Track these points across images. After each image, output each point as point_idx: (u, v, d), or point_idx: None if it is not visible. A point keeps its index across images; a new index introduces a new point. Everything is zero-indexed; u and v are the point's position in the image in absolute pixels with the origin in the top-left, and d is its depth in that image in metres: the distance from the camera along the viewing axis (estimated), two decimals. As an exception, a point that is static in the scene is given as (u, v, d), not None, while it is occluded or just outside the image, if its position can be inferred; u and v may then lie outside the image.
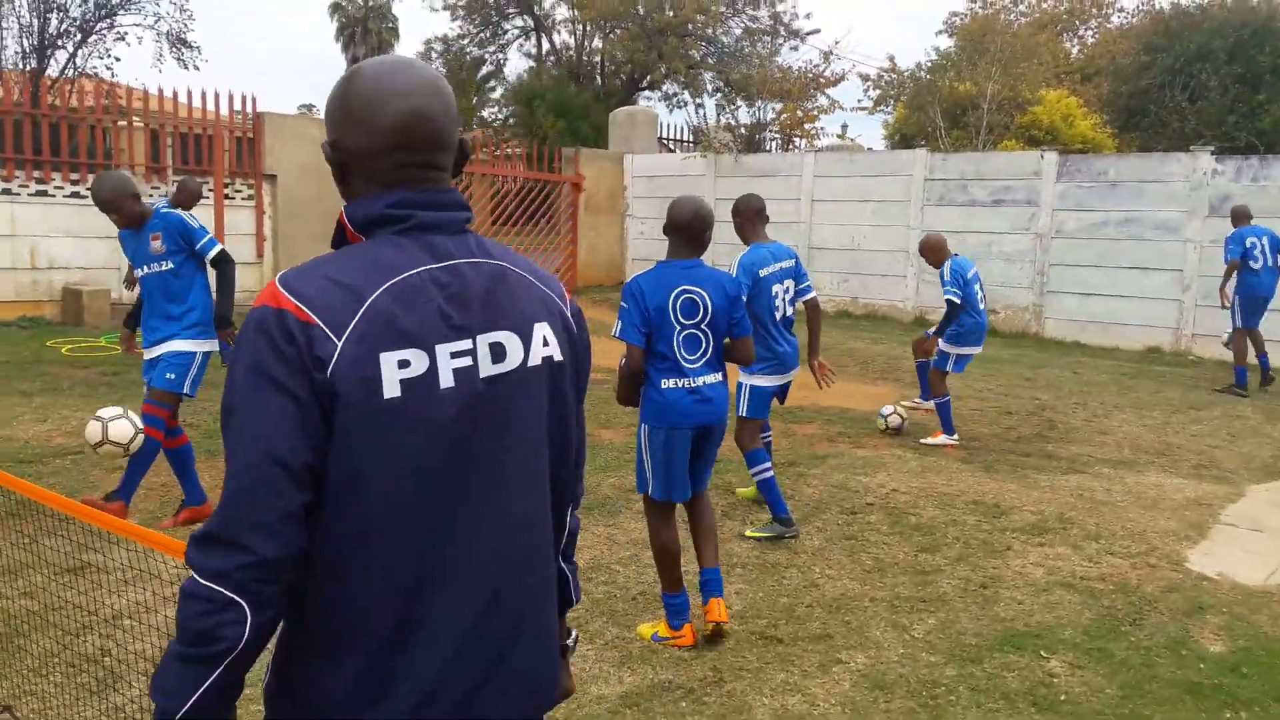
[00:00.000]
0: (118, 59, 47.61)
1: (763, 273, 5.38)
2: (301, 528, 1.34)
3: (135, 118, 12.71)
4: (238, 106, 12.99)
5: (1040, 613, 4.37)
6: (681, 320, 3.80)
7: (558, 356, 1.56)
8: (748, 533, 5.30)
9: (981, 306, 7.62)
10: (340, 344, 1.33)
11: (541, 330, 1.54)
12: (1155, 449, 7.67)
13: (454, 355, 1.42)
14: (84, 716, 3.27)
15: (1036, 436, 8.02)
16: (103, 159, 12.16)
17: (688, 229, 3.90)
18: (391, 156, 1.46)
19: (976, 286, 7.59)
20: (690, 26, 26.92)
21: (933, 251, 7.76)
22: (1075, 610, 4.41)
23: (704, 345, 3.87)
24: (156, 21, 24.78)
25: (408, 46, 76.60)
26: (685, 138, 21.53)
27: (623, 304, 3.84)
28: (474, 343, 1.44)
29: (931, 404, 7.98)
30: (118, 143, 12.60)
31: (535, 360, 1.52)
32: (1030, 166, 13.68)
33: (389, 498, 1.36)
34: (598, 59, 31.13)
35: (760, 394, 5.49)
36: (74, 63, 24.64)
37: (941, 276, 7.55)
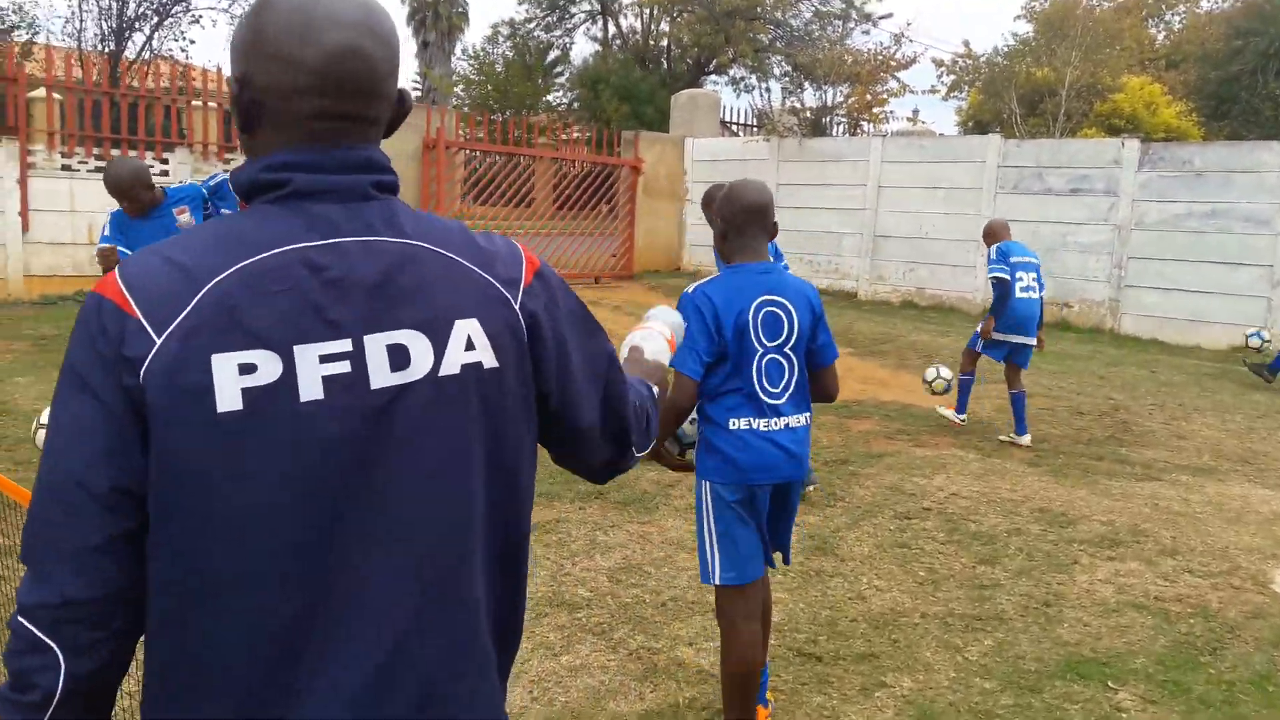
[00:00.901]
0: (192, 41, 48.56)
1: None
2: (119, 563, 1.08)
3: (198, 100, 12.73)
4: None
5: (1109, 637, 3.99)
6: (764, 341, 2.92)
7: (489, 363, 1.22)
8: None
9: (1025, 295, 7.20)
10: (159, 341, 1.05)
11: (465, 329, 1.21)
12: (1239, 456, 7.16)
13: (324, 359, 1.11)
14: None
15: (1110, 439, 7.55)
16: (177, 137, 12.19)
17: (753, 213, 2.99)
18: (314, 102, 1.16)
19: (1024, 274, 7.22)
20: (759, 9, 26.42)
21: (987, 235, 7.66)
22: (1148, 635, 4.02)
23: (788, 374, 2.97)
24: (231, 4, 25.07)
25: (477, 31, 77.03)
26: (749, 121, 21.10)
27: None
28: (358, 344, 1.13)
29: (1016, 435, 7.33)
30: (183, 123, 12.61)
31: (451, 368, 1.19)
32: (1110, 155, 13.03)
33: (233, 537, 1.08)
34: (664, 43, 30.77)
35: None
36: (150, 45, 25.09)
37: (989, 258, 7.43)
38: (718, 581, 2.96)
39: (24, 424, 6.33)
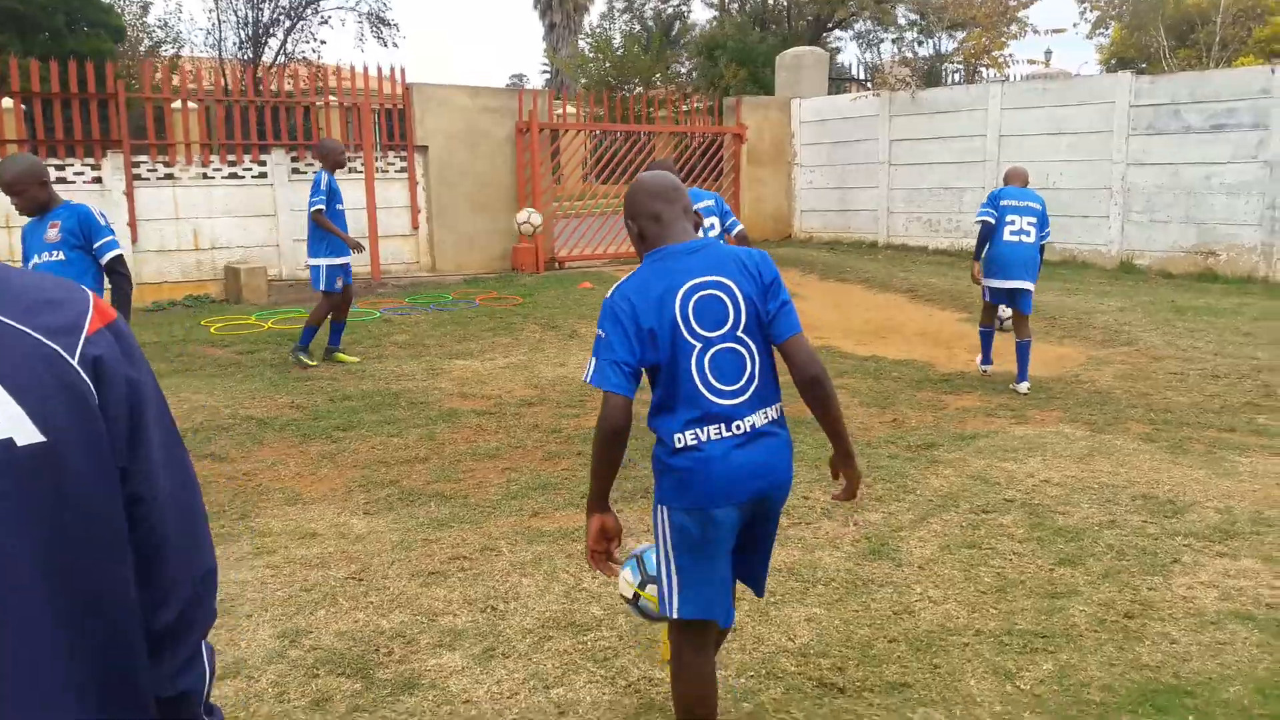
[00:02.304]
0: (323, 42, 50.54)
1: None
2: None
3: (310, 99, 12.92)
4: (389, 77, 12.91)
5: (1199, 657, 3.38)
6: (702, 331, 2.49)
7: (26, 438, 0.93)
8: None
9: (1013, 239, 7.24)
10: None
11: None
12: (1403, 422, 6.21)
13: None
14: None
15: (1246, 406, 6.69)
16: (303, 139, 12.42)
17: (662, 197, 2.62)
18: None
19: (1017, 217, 7.23)
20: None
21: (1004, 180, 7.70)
22: (1249, 655, 3.39)
23: (747, 365, 2.52)
24: (358, 3, 25.75)
25: (598, 8, 77.08)
26: (860, 76, 20.12)
27: (599, 331, 2.52)
28: None
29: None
30: (319, 122, 12.87)
31: None
32: (1257, 84, 11.69)
33: None
34: (783, 1, 29.75)
35: None
36: (285, 49, 26.06)
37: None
38: (676, 615, 2.57)
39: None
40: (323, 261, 8.17)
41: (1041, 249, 7.33)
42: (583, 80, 28.90)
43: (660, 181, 2.66)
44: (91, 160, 10.93)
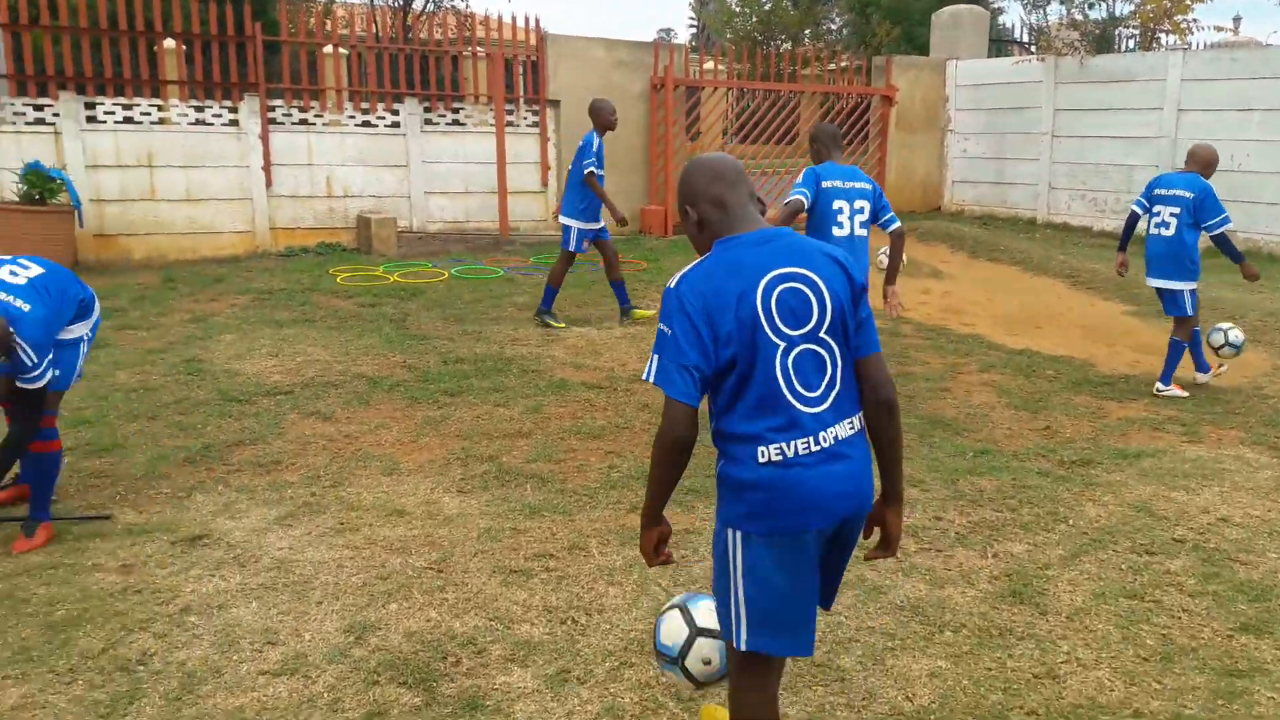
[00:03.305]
0: (475, -10, 51.10)
1: (825, 184, 5.44)
2: None
3: (479, 49, 12.73)
4: (522, 26, 12.58)
5: None
6: (786, 330, 2.16)
7: None
8: None
9: (1154, 232, 6.57)
10: None
11: None
12: None
13: None
14: None
15: None
16: (450, 89, 12.32)
17: (729, 181, 2.28)
18: None
19: (1162, 207, 6.52)
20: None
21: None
22: None
23: (829, 369, 2.19)
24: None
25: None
26: (1023, 39, 18.78)
27: (663, 327, 2.16)
28: None
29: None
30: (459, 73, 12.74)
31: None
32: None
33: None
34: (944, -43, 28.19)
35: None
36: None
37: None
38: (744, 647, 2.25)
39: (209, 385, 6.35)
40: (575, 223, 8.11)
41: (1215, 238, 6.37)
42: (728, 35, 28.01)
43: (720, 162, 2.33)
44: (230, 103, 10.98)
